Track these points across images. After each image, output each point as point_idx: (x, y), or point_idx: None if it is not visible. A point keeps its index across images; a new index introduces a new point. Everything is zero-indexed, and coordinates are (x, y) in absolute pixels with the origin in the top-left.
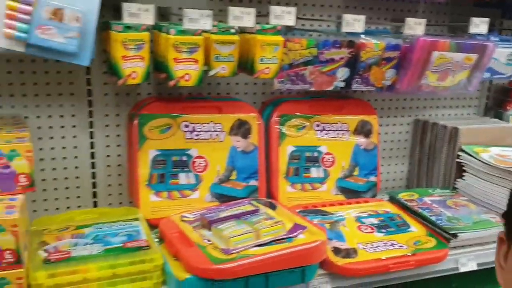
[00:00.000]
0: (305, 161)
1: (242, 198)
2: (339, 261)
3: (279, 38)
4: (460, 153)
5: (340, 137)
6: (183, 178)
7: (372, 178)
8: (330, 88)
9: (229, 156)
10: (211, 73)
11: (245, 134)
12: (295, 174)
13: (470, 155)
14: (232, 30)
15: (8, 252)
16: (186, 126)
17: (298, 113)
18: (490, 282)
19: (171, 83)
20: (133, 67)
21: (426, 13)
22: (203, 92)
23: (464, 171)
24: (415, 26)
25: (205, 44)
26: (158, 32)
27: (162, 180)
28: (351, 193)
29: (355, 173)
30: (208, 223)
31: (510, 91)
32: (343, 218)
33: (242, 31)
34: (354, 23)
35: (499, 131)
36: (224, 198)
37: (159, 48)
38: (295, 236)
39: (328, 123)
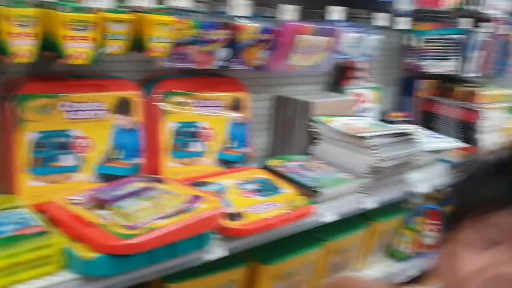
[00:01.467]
0: (184, 136)
1: (127, 176)
2: (231, 224)
3: (171, 18)
4: (313, 123)
5: (217, 112)
6: (66, 160)
7: (245, 150)
8: (211, 67)
9: (112, 135)
10: (103, 51)
11: (128, 112)
12: (177, 150)
13: (321, 124)
14: (125, 9)
15: None
16: (67, 105)
17: (178, 90)
18: (347, 229)
19: (62, 61)
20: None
21: None
22: (84, 70)
23: (317, 138)
24: (287, 13)
25: (99, 22)
26: (47, 10)
27: (44, 164)
28: (228, 164)
29: (232, 145)
30: (102, 202)
31: (347, 69)
32: (226, 187)
33: (135, 10)
34: (240, 6)
35: (341, 104)
36: (109, 178)
37: (49, 26)
38: (195, 206)
39: (206, 99)
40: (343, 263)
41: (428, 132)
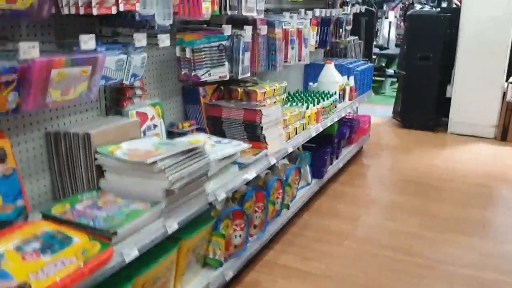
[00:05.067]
0: None
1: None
2: None
3: None
4: (96, 155)
5: None
6: None
7: (20, 203)
8: None
9: None
10: None
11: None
12: None
13: (106, 156)
14: None
15: None
16: None
17: None
18: (155, 257)
19: None
20: None
21: (30, 28)
22: None
23: (104, 171)
24: (29, 50)
25: None
26: None
27: None
28: (1, 225)
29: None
30: None
31: (123, 90)
32: (1, 255)
33: None
34: None
35: (124, 127)
36: None
37: None
38: None
39: None
40: None
41: (215, 138)
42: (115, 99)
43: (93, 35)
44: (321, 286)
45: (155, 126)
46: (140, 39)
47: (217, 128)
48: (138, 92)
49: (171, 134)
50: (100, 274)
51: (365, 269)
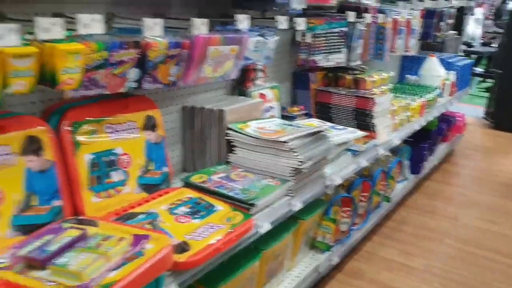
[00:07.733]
0: (102, 167)
1: (48, 223)
2: (180, 257)
3: (80, 46)
4: (228, 131)
5: (131, 136)
6: None
7: (165, 169)
8: (123, 90)
9: (25, 179)
10: (6, 91)
11: (38, 152)
12: (97, 183)
13: (237, 132)
14: (28, 42)
15: None
16: None
17: (88, 118)
18: (278, 233)
19: None
20: None
21: (176, 8)
22: None
23: (233, 146)
24: (199, 26)
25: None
26: None
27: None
28: (151, 188)
29: (151, 167)
30: (40, 262)
31: (247, 71)
32: (157, 215)
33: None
34: (153, 27)
35: (251, 107)
36: (29, 228)
37: None
38: (143, 248)
39: (118, 123)
40: (277, 268)
41: (329, 124)
42: (239, 79)
43: (247, 15)
44: (427, 281)
45: (271, 108)
46: (282, 21)
47: (325, 114)
48: (260, 74)
49: (284, 118)
50: (240, 242)
51: (472, 269)
